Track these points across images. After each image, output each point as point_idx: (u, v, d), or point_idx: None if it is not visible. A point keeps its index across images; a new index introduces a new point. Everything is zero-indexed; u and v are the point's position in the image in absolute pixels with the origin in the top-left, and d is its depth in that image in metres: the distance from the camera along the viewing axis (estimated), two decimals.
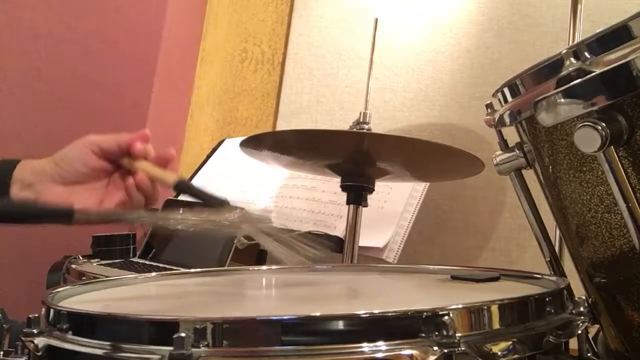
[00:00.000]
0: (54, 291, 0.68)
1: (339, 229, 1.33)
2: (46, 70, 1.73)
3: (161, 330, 0.50)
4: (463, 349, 0.48)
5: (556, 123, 0.61)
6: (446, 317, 0.48)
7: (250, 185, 1.56)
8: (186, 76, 1.96)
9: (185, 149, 1.95)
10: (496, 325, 0.53)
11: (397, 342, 0.48)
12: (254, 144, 1.17)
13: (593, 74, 0.54)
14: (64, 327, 0.55)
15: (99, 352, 0.51)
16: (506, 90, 0.69)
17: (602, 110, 0.54)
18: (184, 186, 0.84)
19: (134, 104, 1.75)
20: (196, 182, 1.64)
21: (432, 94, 1.64)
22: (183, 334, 0.46)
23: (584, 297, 0.63)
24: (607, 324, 0.69)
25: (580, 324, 0.59)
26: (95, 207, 0.85)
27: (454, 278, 0.80)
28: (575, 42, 0.70)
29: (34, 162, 0.88)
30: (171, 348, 0.46)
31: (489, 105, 0.76)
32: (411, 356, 0.47)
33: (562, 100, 0.56)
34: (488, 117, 0.76)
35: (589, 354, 0.60)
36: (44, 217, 0.72)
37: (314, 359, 0.48)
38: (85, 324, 0.55)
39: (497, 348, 0.51)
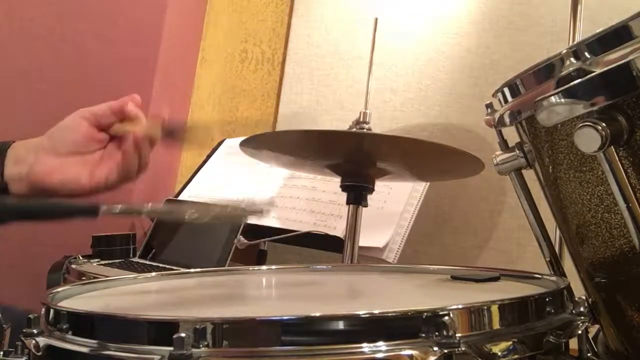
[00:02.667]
0: (54, 291, 0.69)
1: (339, 229, 1.33)
2: (46, 70, 1.73)
3: (161, 331, 0.50)
4: (463, 349, 0.48)
5: (556, 123, 0.61)
6: (446, 317, 0.48)
7: (250, 185, 1.56)
8: (186, 76, 1.96)
9: (185, 149, 1.95)
10: (496, 325, 0.53)
11: (397, 342, 0.48)
12: (254, 144, 1.17)
13: (593, 74, 0.54)
14: (64, 327, 0.55)
15: (99, 352, 0.51)
16: (506, 90, 0.69)
17: (602, 110, 0.54)
18: (171, 129, 0.87)
19: None
20: (196, 182, 1.64)
21: (432, 94, 1.64)
22: (183, 334, 0.46)
23: (584, 297, 0.63)
24: (607, 324, 0.69)
25: (581, 324, 0.59)
26: (87, 177, 0.85)
27: (454, 278, 0.80)
28: (575, 42, 0.70)
29: (30, 139, 0.88)
30: (171, 348, 0.46)
31: (489, 105, 0.76)
32: (411, 356, 0.47)
33: (562, 100, 0.56)
34: (488, 117, 0.76)
35: (589, 354, 0.60)
36: (72, 214, 0.74)
37: (314, 359, 0.48)
38: (85, 324, 0.55)
39: (498, 348, 0.51)
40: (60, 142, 0.86)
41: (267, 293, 0.85)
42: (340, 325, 0.49)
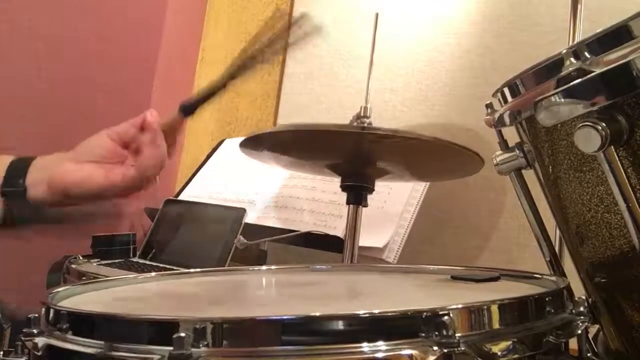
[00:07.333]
0: (54, 291, 0.68)
1: (339, 229, 1.33)
2: (46, 70, 1.72)
3: (161, 330, 0.50)
4: (463, 349, 0.48)
5: (556, 123, 0.61)
6: (446, 317, 0.48)
7: (250, 185, 1.56)
8: (186, 76, 1.96)
9: (185, 149, 1.95)
10: (496, 325, 0.53)
11: (397, 342, 0.48)
12: (254, 144, 1.17)
13: (593, 74, 0.54)
14: (64, 327, 0.55)
15: (99, 352, 0.51)
16: (506, 90, 0.69)
17: (602, 110, 0.54)
18: (188, 106, 0.99)
19: (134, 104, 1.75)
20: (196, 182, 1.64)
21: (432, 94, 1.64)
22: (183, 334, 0.46)
23: (584, 297, 0.63)
24: (607, 324, 0.69)
25: (580, 324, 0.59)
26: (101, 176, 0.91)
27: (454, 278, 0.80)
28: (575, 42, 0.70)
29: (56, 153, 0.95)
30: (171, 348, 0.46)
31: (489, 105, 0.76)
32: (411, 356, 0.47)
33: (562, 100, 0.56)
34: (488, 117, 0.75)
35: (589, 354, 0.60)
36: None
37: (314, 359, 0.48)
38: (85, 324, 0.55)
39: (497, 348, 0.51)
40: (83, 153, 0.92)
41: (267, 293, 0.85)
42: (340, 325, 0.49)
